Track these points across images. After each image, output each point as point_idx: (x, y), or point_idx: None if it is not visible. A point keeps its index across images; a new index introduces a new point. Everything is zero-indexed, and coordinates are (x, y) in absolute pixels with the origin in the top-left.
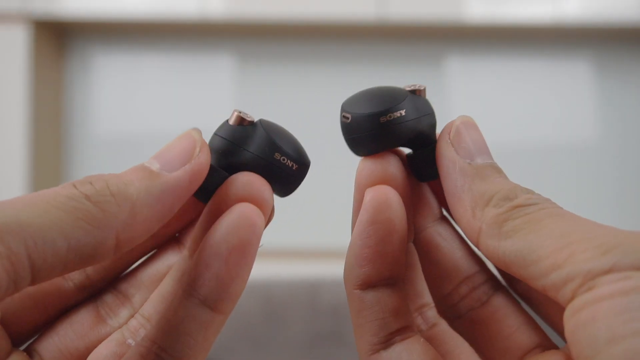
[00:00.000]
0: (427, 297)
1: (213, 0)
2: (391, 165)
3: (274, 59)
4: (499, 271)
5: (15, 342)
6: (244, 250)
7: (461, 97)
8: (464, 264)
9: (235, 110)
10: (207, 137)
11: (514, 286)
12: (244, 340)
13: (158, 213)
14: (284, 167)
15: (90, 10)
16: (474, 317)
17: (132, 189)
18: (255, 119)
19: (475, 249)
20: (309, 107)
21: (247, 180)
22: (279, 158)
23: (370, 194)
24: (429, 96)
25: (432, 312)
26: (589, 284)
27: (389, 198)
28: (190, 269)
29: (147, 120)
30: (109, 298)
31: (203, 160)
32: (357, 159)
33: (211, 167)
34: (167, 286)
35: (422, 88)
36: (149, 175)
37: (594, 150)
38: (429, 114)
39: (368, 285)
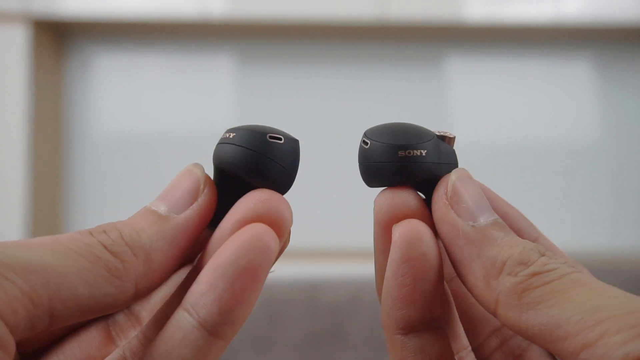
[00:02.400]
0: (464, 340)
1: (213, 1)
2: (414, 199)
3: (274, 59)
4: None
5: (23, 355)
6: (253, 274)
7: (461, 97)
8: (491, 316)
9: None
10: (206, 138)
11: None
12: (243, 340)
13: (172, 257)
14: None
15: (90, 10)
16: None
17: (144, 238)
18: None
19: None
20: (309, 107)
21: (263, 198)
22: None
23: (399, 230)
24: (429, 96)
25: (470, 357)
26: None
27: (420, 232)
28: (193, 288)
29: (147, 120)
30: (121, 318)
31: (210, 196)
32: (356, 160)
33: (218, 199)
34: (169, 304)
35: (451, 136)
36: (159, 220)
37: (594, 150)
38: (451, 164)
39: (410, 329)
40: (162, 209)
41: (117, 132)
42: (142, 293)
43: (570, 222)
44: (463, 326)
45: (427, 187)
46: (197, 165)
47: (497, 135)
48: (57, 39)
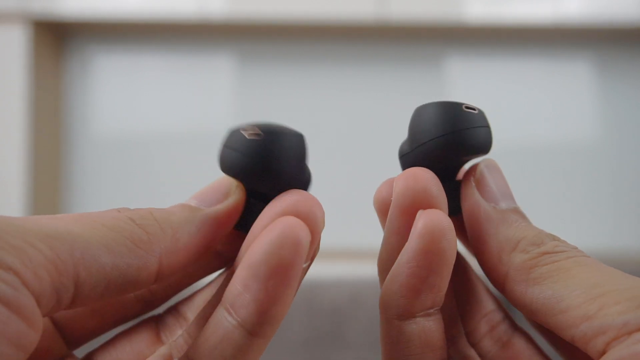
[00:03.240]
0: (459, 325)
1: (213, 0)
2: (437, 186)
3: (274, 59)
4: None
5: (69, 345)
6: (286, 272)
7: (461, 97)
8: (483, 300)
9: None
10: (206, 138)
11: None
12: None
13: (198, 242)
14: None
15: (90, 10)
16: None
17: (174, 218)
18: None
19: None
20: (309, 107)
21: (294, 199)
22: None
23: (424, 220)
24: (429, 96)
25: (463, 341)
26: (624, 338)
27: (444, 226)
28: (230, 287)
29: (147, 120)
30: (170, 319)
31: (239, 197)
32: (356, 160)
33: (248, 201)
34: (210, 304)
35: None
36: (189, 209)
37: (594, 150)
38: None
39: (409, 315)
40: (193, 203)
41: (117, 132)
42: (165, 270)
43: (571, 222)
44: (458, 311)
45: (443, 165)
46: (227, 177)
47: (496, 135)
48: (57, 39)
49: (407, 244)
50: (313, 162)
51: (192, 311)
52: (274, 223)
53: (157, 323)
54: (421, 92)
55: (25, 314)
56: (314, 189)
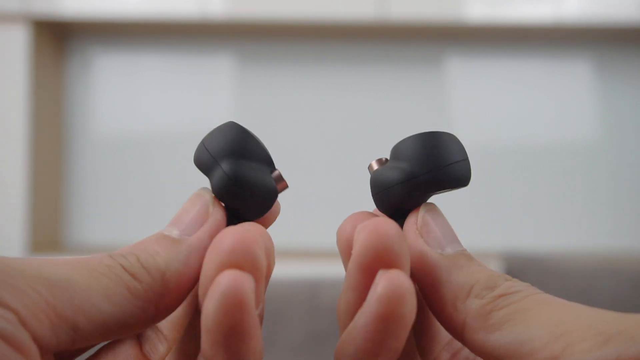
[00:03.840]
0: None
1: (213, 1)
2: (403, 246)
3: (274, 59)
4: None
5: None
6: (241, 332)
7: (461, 97)
8: (441, 330)
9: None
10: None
11: None
12: None
13: (188, 277)
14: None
15: (90, 10)
16: None
17: (159, 260)
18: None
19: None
20: (309, 107)
21: (229, 244)
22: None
23: (384, 283)
24: (429, 96)
25: None
26: None
27: (405, 291)
28: (203, 346)
29: (147, 120)
30: (150, 333)
31: (218, 216)
32: (356, 159)
33: (227, 220)
34: (188, 335)
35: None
36: (172, 243)
37: (593, 150)
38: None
39: None
40: (174, 233)
41: (117, 132)
42: (162, 313)
43: (571, 222)
44: (417, 344)
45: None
46: (205, 188)
47: (497, 135)
48: (58, 39)
49: (365, 305)
50: (313, 162)
51: (167, 327)
52: (214, 284)
53: (138, 336)
54: (421, 92)
55: (23, 349)
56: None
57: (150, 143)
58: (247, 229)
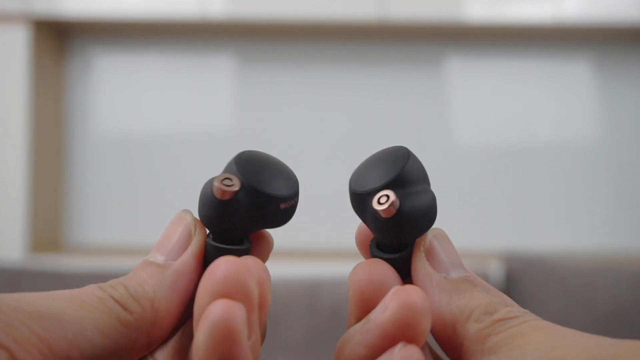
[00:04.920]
0: None
1: (213, 1)
2: (391, 274)
3: (274, 59)
4: None
5: None
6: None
7: (461, 97)
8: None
9: (215, 181)
10: (205, 138)
11: None
12: None
13: (176, 302)
14: (285, 211)
15: (90, 10)
16: None
17: (147, 288)
18: (237, 185)
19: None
20: (309, 107)
21: (222, 276)
22: (281, 207)
23: (398, 300)
24: (429, 96)
25: None
26: None
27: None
28: None
29: (148, 120)
30: None
31: (202, 237)
32: (356, 159)
33: (207, 243)
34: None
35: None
36: (158, 270)
37: (593, 150)
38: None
39: None
40: (159, 259)
41: (117, 132)
42: (155, 340)
43: (571, 222)
44: None
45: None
46: (186, 211)
47: (497, 135)
48: (58, 39)
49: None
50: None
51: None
52: (205, 315)
53: None
54: (421, 92)
55: None
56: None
57: (150, 143)
58: (240, 259)
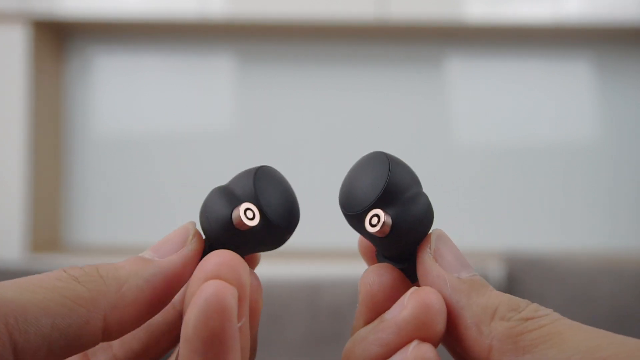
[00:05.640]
0: None
1: (213, 1)
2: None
3: (274, 59)
4: None
5: None
6: (221, 339)
7: (461, 97)
8: None
9: (240, 211)
10: (205, 138)
11: None
12: None
13: (149, 295)
14: (286, 240)
15: (90, 10)
16: None
17: (122, 272)
18: (258, 219)
19: None
20: (309, 107)
21: (217, 261)
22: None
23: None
24: (429, 96)
25: None
26: None
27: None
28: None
29: (147, 120)
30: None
31: (196, 246)
32: (356, 160)
33: (204, 252)
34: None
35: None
36: (142, 261)
37: (594, 150)
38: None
39: None
40: (148, 254)
41: (117, 132)
42: (113, 327)
43: (571, 222)
44: None
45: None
46: (191, 222)
47: (497, 135)
48: (57, 39)
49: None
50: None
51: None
52: (198, 291)
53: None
54: (421, 92)
55: None
56: (315, 189)
57: (150, 143)
58: (234, 254)
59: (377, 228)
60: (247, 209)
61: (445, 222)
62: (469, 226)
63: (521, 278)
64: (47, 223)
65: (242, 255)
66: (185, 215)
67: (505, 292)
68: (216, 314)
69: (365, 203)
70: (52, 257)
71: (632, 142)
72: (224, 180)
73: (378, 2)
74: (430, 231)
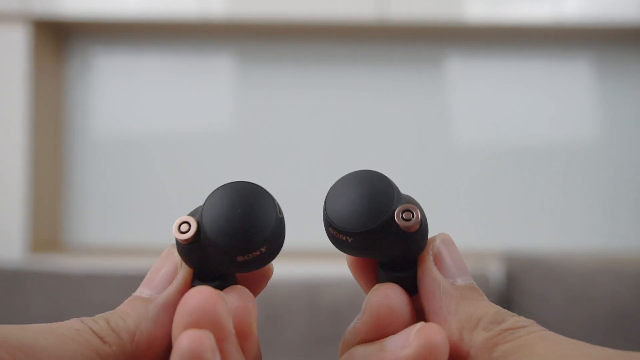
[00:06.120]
0: None
1: (213, 1)
2: (404, 301)
3: (274, 59)
4: None
5: None
6: None
7: (461, 97)
8: None
9: (174, 225)
10: (205, 138)
11: None
12: None
13: (158, 336)
14: (245, 263)
15: (90, 10)
16: None
17: (129, 321)
18: (193, 232)
19: None
20: (309, 107)
21: (191, 307)
22: (242, 259)
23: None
24: (429, 96)
25: None
26: None
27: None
28: None
29: (147, 120)
30: None
31: (185, 272)
32: (356, 159)
33: (193, 281)
34: None
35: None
36: (142, 303)
37: (593, 150)
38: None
39: None
40: (145, 293)
41: (117, 132)
42: None
43: (571, 222)
44: None
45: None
46: (174, 246)
47: (497, 135)
48: (57, 39)
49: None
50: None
51: None
52: (175, 344)
53: None
54: (421, 92)
55: None
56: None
57: (150, 143)
58: (213, 290)
59: (412, 222)
60: (183, 222)
61: (445, 222)
62: (469, 226)
63: (521, 278)
64: (47, 223)
65: (222, 272)
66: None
67: (505, 292)
68: None
69: (390, 204)
70: (52, 257)
71: (632, 142)
72: (223, 180)
73: (378, 2)
74: (438, 234)
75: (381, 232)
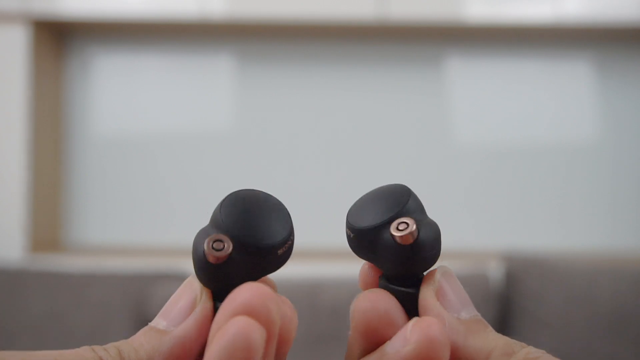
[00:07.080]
0: None
1: (213, 1)
2: (395, 308)
3: (274, 59)
4: None
5: None
6: None
7: (461, 97)
8: None
9: (205, 246)
10: (206, 139)
11: None
12: None
13: None
14: (282, 255)
15: (90, 10)
16: None
17: (142, 352)
18: (229, 247)
19: None
20: (309, 107)
21: (247, 296)
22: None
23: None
24: (429, 96)
25: None
26: None
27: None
28: None
29: (147, 120)
30: None
31: (205, 305)
32: (356, 159)
33: (216, 306)
34: None
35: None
36: (157, 335)
37: (593, 150)
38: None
39: None
40: (162, 324)
41: (117, 132)
42: None
43: (571, 223)
44: None
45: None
46: (194, 276)
47: (497, 135)
48: (57, 39)
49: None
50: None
51: None
52: (225, 327)
53: None
54: (421, 92)
55: None
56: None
57: (150, 143)
58: (268, 288)
59: (404, 233)
60: (215, 240)
61: (445, 222)
62: (469, 226)
63: (521, 278)
64: (47, 223)
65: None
66: (185, 215)
67: (505, 292)
68: (241, 352)
69: (392, 211)
70: (52, 257)
71: (632, 142)
72: (223, 179)
73: (378, 2)
74: (439, 267)
75: (375, 234)
